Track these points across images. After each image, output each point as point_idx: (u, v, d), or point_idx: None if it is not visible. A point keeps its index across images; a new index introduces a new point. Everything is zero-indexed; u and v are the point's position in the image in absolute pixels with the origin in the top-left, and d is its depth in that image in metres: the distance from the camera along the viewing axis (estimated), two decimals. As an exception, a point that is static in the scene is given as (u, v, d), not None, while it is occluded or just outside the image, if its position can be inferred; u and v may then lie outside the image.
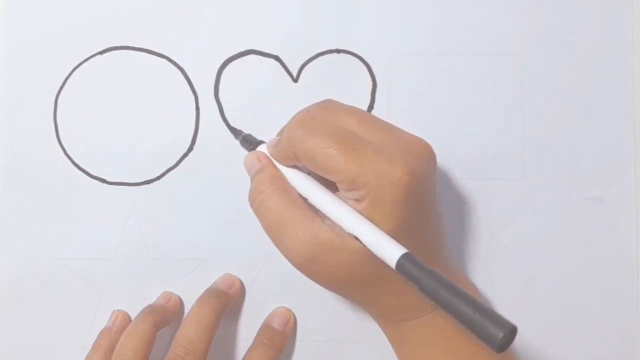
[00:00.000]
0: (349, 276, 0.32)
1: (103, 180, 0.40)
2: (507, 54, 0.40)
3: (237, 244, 0.39)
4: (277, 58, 0.40)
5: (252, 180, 0.34)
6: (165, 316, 0.38)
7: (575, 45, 0.39)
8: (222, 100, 0.40)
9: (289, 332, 0.39)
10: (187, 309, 0.39)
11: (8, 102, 0.40)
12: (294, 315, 0.39)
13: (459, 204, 0.39)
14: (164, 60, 0.40)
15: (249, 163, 0.35)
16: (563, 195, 0.39)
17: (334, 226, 0.31)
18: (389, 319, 0.34)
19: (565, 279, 0.39)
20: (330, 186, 0.32)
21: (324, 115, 0.32)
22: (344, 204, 0.31)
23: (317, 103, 0.34)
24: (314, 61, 0.40)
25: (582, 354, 0.38)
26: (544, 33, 0.40)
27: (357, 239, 0.30)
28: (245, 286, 0.40)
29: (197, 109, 0.40)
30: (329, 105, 0.33)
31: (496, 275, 0.39)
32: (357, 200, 0.31)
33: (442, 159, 0.39)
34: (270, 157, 0.35)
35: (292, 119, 0.33)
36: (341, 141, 0.30)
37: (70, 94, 0.40)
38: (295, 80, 0.40)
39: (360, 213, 0.30)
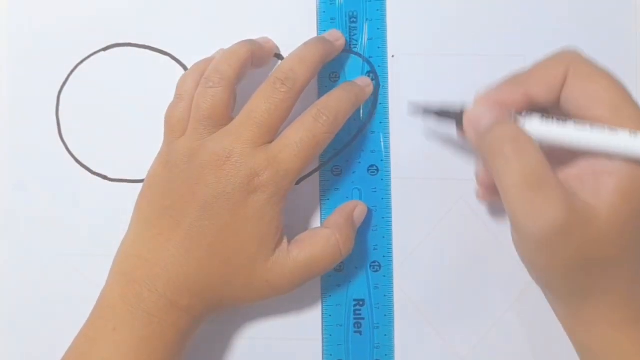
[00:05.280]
0: (599, 252, 0.28)
1: (105, 177, 0.40)
2: (510, 55, 0.39)
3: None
4: (278, 56, 0.40)
5: (490, 132, 0.30)
6: (262, 51, 0.37)
7: (578, 46, 0.39)
8: (224, 99, 0.40)
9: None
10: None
11: (10, 98, 0.41)
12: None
13: (460, 204, 0.39)
14: (167, 57, 0.40)
15: (475, 117, 0.32)
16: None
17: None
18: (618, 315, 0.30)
19: (566, 281, 0.39)
20: None
21: None
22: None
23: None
24: (316, 60, 0.40)
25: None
26: (547, 34, 0.39)
27: None
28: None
29: (199, 106, 0.40)
30: None
31: (497, 276, 0.39)
32: None
33: (443, 160, 0.39)
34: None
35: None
36: None
37: (73, 90, 0.40)
38: (298, 79, 0.40)
39: None
